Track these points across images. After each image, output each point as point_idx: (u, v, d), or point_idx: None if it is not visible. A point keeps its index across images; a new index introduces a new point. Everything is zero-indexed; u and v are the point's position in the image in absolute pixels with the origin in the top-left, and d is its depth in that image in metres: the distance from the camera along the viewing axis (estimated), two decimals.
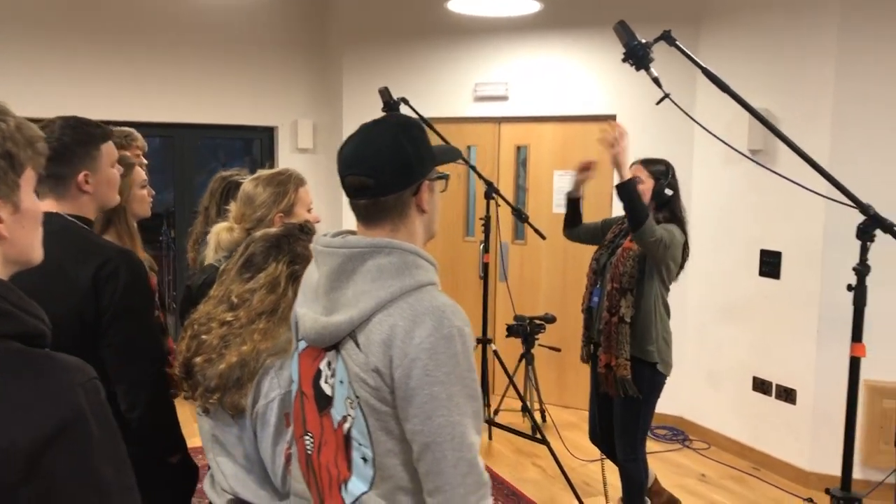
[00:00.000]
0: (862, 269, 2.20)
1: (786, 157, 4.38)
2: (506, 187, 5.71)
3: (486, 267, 4.38)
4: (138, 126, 6.20)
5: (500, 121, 5.65)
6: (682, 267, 3.39)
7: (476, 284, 5.86)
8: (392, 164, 1.44)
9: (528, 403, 5.05)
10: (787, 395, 4.40)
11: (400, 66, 5.93)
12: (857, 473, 4.17)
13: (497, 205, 4.26)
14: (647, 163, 3.37)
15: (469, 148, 5.84)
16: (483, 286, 4.40)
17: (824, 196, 2.27)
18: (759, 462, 4.59)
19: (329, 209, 6.63)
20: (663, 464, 4.59)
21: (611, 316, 3.25)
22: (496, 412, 5.26)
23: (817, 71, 4.21)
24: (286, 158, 6.64)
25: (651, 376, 3.30)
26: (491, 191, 4.15)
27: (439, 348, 1.35)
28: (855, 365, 2.23)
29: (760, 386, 4.58)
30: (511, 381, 4.30)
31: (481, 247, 5.79)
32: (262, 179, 2.21)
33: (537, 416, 5.31)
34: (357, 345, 1.39)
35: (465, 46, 5.68)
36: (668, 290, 3.35)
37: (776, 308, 4.46)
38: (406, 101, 3.89)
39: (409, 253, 1.43)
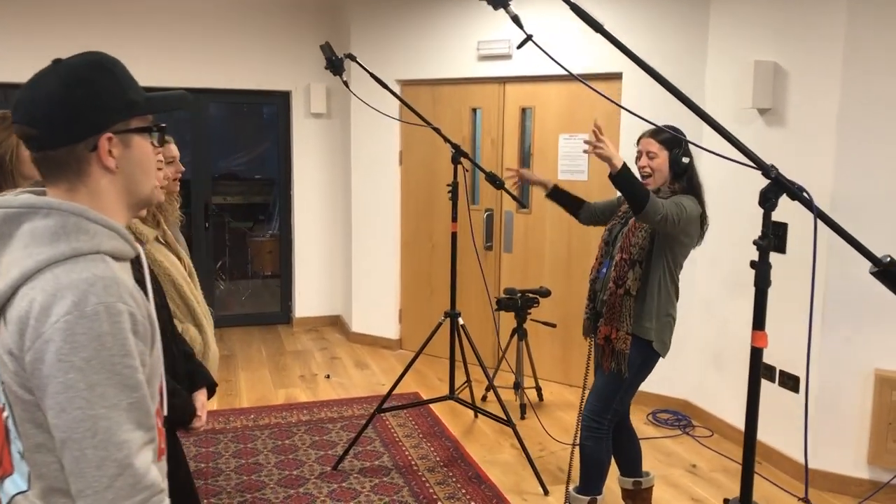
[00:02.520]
0: (763, 244, 1.84)
1: (795, 116, 3.91)
2: (511, 152, 5.39)
3: (454, 237, 4.10)
4: (154, 91, 6.23)
5: (504, 81, 5.32)
6: (700, 239, 3.09)
7: (480, 253, 5.60)
8: (54, 111, 1.23)
9: (519, 380, 4.79)
10: (790, 382, 3.97)
11: (406, 26, 5.67)
12: (862, 472, 3.74)
13: (465, 170, 3.98)
14: (655, 133, 3.05)
15: (474, 111, 5.54)
16: (451, 257, 4.13)
17: (725, 157, 1.91)
18: (761, 455, 4.18)
19: (342, 175, 6.49)
20: (655, 451, 4.25)
21: (616, 287, 3.01)
22: (488, 388, 5.02)
23: (827, 24, 3.69)
24: (300, 124, 6.52)
25: (644, 354, 3.03)
26: (458, 154, 3.86)
27: (78, 329, 1.14)
28: (756, 357, 1.88)
29: (765, 371, 4.15)
30: (477, 357, 4.05)
31: (485, 215, 5.53)
32: None
33: (533, 393, 5.05)
34: (5, 322, 1.20)
35: (468, 2, 5.36)
36: (679, 266, 3.06)
37: (781, 286, 4.00)
38: (353, 58, 3.63)
39: (73, 215, 1.22)
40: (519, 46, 1.88)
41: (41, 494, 1.22)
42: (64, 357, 1.13)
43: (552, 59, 1.90)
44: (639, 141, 3.08)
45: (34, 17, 5.75)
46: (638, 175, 2.92)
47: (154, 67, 6.03)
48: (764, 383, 4.15)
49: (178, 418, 2.12)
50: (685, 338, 4.72)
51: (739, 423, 4.36)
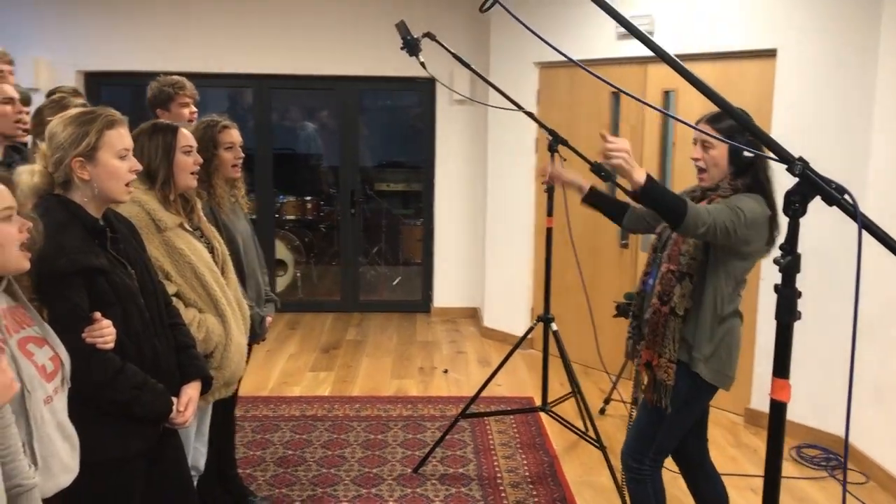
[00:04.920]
0: (786, 263, 1.36)
1: None
2: (651, 140, 4.86)
3: (549, 233, 3.72)
4: (299, 80, 6.40)
5: (645, 61, 4.79)
6: (771, 247, 2.55)
7: (615, 252, 5.14)
8: None
9: (636, 394, 4.30)
10: None
11: (544, 4, 5.31)
12: None
13: (563, 159, 3.58)
14: (714, 120, 2.52)
15: (614, 95, 5.06)
16: (546, 255, 3.76)
17: (746, 149, 1.46)
18: None
19: (482, 164, 6.26)
20: (787, 495, 3.62)
21: (661, 304, 2.56)
22: (607, 401, 4.59)
23: None
24: (444, 111, 6.39)
25: (691, 386, 2.55)
26: (556, 141, 3.48)
27: None
28: (778, 413, 1.41)
29: None
30: (567, 368, 3.66)
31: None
32: (67, 117, 1.99)
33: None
34: None
35: None
36: (742, 283, 2.53)
37: None
38: (432, 36, 3.37)
39: None
40: (483, 9, 1.55)
41: None
42: None
43: (525, 25, 1.55)
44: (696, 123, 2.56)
45: (186, 6, 6.10)
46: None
47: (299, 57, 6.18)
48: None
49: (149, 415, 2.03)
50: (844, 363, 3.97)
51: None
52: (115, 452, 1.98)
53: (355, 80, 6.41)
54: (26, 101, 3.22)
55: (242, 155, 3.06)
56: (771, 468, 1.44)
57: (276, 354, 5.56)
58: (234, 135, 3.04)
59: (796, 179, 1.34)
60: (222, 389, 2.56)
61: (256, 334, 3.01)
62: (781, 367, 1.38)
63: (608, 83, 1.73)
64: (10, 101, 3.02)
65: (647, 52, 5.13)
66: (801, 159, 1.32)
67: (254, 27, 6.14)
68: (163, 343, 2.13)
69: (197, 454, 2.71)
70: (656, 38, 4.71)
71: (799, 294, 1.37)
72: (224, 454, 3.27)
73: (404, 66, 6.24)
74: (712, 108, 4.58)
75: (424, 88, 6.44)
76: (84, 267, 1.91)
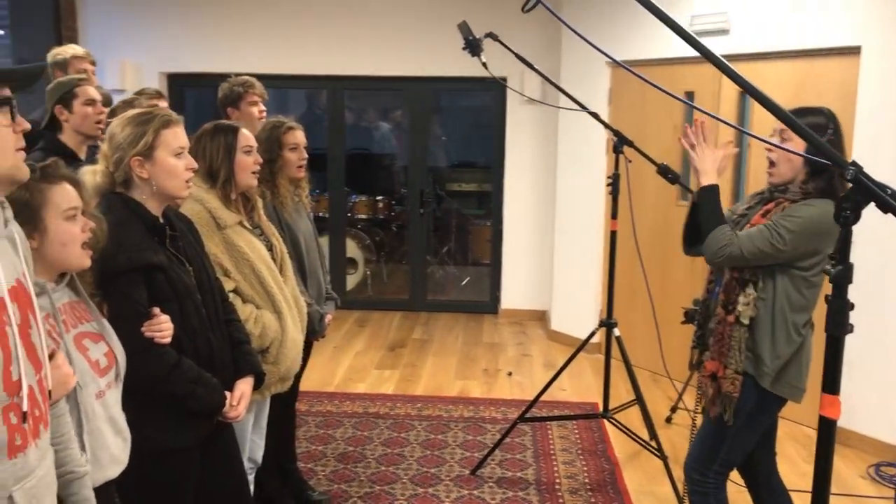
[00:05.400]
0: (837, 273, 1.29)
1: None
2: (725, 141, 4.70)
3: (613, 236, 3.65)
4: (371, 80, 6.48)
5: None
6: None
7: (687, 257, 4.99)
8: None
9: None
10: None
11: (617, 3, 5.21)
12: None
13: (628, 160, 3.50)
14: (797, 115, 2.40)
15: (687, 94, 4.92)
16: (609, 259, 3.69)
17: (794, 152, 1.39)
18: None
19: (552, 164, 6.19)
20: None
21: (726, 313, 2.49)
22: (674, 409, 4.48)
23: None
24: (515, 110, 6.35)
25: (758, 399, 2.47)
26: (621, 142, 3.42)
27: None
28: (826, 431, 1.34)
29: None
30: (630, 374, 3.58)
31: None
32: (126, 118, 2.06)
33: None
34: None
35: None
36: (812, 289, 2.42)
37: None
38: (495, 37, 3.35)
39: None
40: (525, 9, 1.53)
41: None
42: None
43: (566, 24, 1.52)
44: None
45: (265, 10, 6.26)
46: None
47: (372, 58, 6.25)
48: None
49: (203, 408, 2.09)
50: None
51: None
52: (170, 443, 2.05)
53: (427, 80, 6.44)
54: (107, 102, 3.38)
55: (306, 156, 3.11)
56: (818, 490, 1.37)
57: (343, 351, 5.64)
58: (299, 136, 3.10)
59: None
60: (278, 384, 2.62)
61: (315, 331, 3.06)
62: (831, 382, 1.31)
63: (647, 81, 1.67)
64: (91, 102, 3.18)
65: (723, 50, 4.97)
66: (854, 164, 1.25)
67: (330, 29, 6.25)
68: (218, 339, 2.19)
69: (254, 447, 2.77)
70: (732, 36, 4.62)
71: (851, 306, 1.30)
72: (283, 448, 3.34)
73: (475, 67, 6.26)
74: (793, 107, 4.40)
75: (496, 88, 6.42)
76: (143, 264, 1.98)
